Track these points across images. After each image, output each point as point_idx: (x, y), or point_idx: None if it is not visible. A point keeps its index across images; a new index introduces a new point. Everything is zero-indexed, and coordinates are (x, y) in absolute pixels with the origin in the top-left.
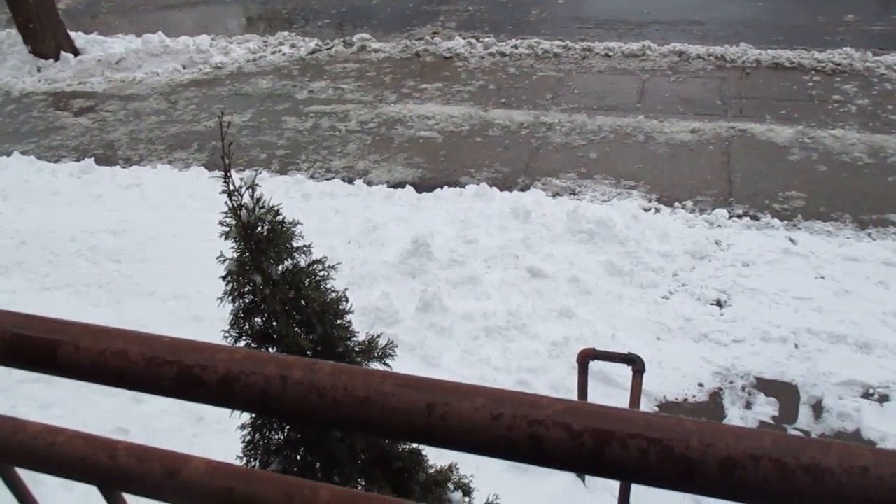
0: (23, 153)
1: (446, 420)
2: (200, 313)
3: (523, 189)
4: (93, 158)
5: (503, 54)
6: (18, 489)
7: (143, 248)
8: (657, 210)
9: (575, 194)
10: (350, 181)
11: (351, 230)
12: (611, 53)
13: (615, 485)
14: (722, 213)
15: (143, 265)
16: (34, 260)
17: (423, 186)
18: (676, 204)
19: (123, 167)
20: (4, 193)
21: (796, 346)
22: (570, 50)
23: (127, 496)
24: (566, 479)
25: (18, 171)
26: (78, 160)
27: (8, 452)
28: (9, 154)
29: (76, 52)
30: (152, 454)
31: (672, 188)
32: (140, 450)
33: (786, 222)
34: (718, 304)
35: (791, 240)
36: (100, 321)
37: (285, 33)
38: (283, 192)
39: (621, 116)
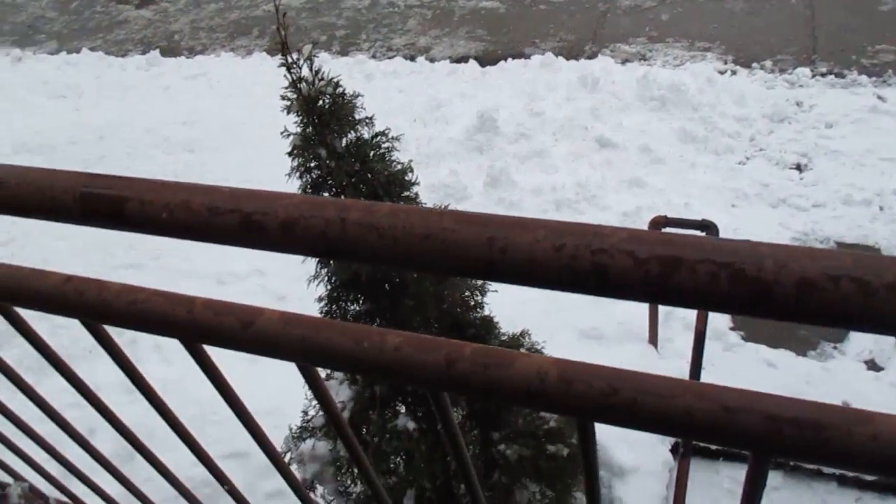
0: (91, 49)
1: (507, 253)
2: None
3: (591, 57)
4: (157, 51)
5: None
6: (109, 345)
7: (214, 138)
8: (733, 72)
9: (645, 60)
10: (412, 59)
11: (415, 109)
12: None
13: (688, 350)
14: (804, 71)
15: (215, 154)
16: (114, 153)
17: (486, 60)
18: (754, 64)
19: (188, 57)
20: (79, 90)
21: (881, 208)
22: None
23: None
24: (639, 346)
25: (90, 68)
26: (143, 53)
27: (95, 311)
28: (78, 51)
29: None
30: (227, 308)
31: (750, 48)
32: (216, 304)
33: (874, 79)
34: (798, 167)
35: (880, 97)
36: None
37: None
38: (346, 74)
39: None
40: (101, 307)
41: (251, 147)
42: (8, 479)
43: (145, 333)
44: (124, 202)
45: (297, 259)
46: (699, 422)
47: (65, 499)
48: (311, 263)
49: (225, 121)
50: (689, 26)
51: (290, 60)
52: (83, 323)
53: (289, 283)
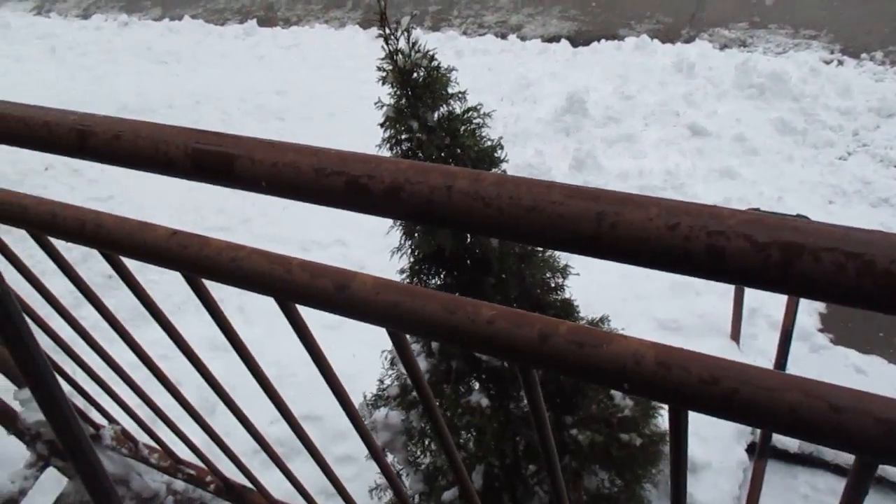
0: (192, 17)
1: (617, 230)
2: None
3: (688, 41)
4: (255, 20)
5: None
6: (207, 299)
7: (305, 107)
8: (840, 62)
9: (745, 46)
10: (503, 36)
11: (504, 87)
12: None
13: (771, 349)
14: None
15: (305, 123)
16: (208, 119)
17: (578, 40)
18: (864, 55)
19: (283, 28)
20: (179, 56)
21: None
22: None
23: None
24: (720, 341)
25: (190, 35)
26: (241, 22)
27: (196, 265)
28: (180, 18)
29: None
30: (323, 270)
31: (860, 38)
32: (312, 266)
33: None
34: None
35: None
36: None
37: None
38: (437, 50)
39: None
40: (203, 262)
41: (340, 118)
42: (102, 421)
43: (236, 291)
44: (234, 159)
45: (378, 230)
46: (804, 419)
47: (152, 443)
48: (393, 236)
49: (316, 91)
50: (795, 12)
51: (387, 32)
52: (184, 276)
53: (370, 255)
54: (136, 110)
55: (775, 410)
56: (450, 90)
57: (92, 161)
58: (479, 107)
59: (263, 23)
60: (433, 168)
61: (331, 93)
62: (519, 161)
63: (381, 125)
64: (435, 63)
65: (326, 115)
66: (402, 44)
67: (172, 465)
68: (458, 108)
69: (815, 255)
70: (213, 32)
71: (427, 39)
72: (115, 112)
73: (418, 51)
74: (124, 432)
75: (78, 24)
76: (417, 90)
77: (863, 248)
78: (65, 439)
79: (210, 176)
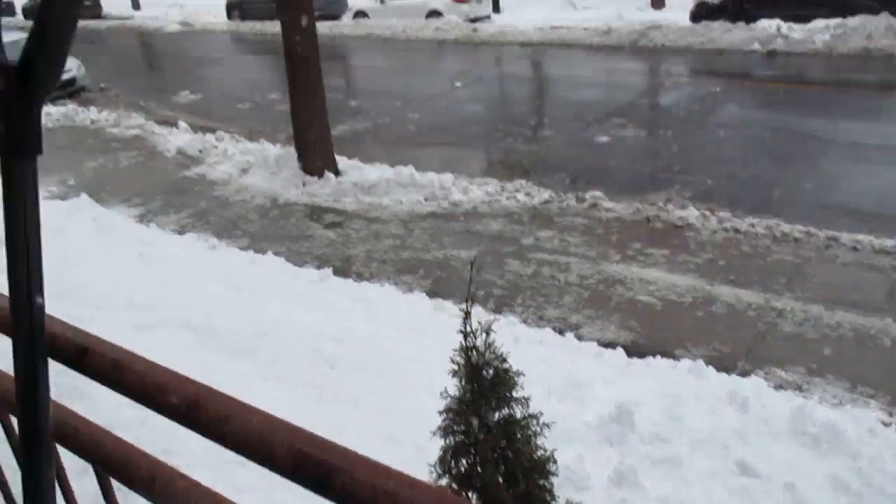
0: (275, 254)
1: None
2: (396, 434)
3: (743, 374)
4: (331, 269)
5: (737, 231)
6: None
7: (359, 357)
8: None
9: (801, 391)
10: (561, 332)
11: (553, 382)
12: (859, 247)
13: None
14: None
15: (355, 374)
16: (265, 351)
17: (634, 351)
18: None
19: (355, 281)
20: (255, 287)
21: None
22: (813, 236)
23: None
24: None
25: (269, 269)
26: (318, 268)
27: None
28: (264, 252)
29: (337, 174)
30: None
31: None
32: None
33: None
34: None
35: None
36: (303, 419)
37: (522, 181)
38: (495, 331)
39: (865, 315)
40: None
41: (393, 377)
42: None
43: None
44: (333, 471)
45: None
46: None
47: None
48: None
49: (373, 346)
50: (853, 368)
51: (468, 329)
52: None
53: None
54: (198, 328)
55: None
56: (515, 393)
57: (200, 434)
58: (538, 415)
59: (338, 272)
60: None
61: (388, 351)
62: (558, 463)
63: (441, 413)
64: (506, 365)
65: (379, 371)
66: (478, 341)
67: None
68: (518, 411)
69: None
70: (290, 272)
71: (486, 320)
72: (177, 327)
73: (493, 351)
74: None
75: (171, 238)
76: (483, 388)
77: None
78: None
79: (308, 482)
